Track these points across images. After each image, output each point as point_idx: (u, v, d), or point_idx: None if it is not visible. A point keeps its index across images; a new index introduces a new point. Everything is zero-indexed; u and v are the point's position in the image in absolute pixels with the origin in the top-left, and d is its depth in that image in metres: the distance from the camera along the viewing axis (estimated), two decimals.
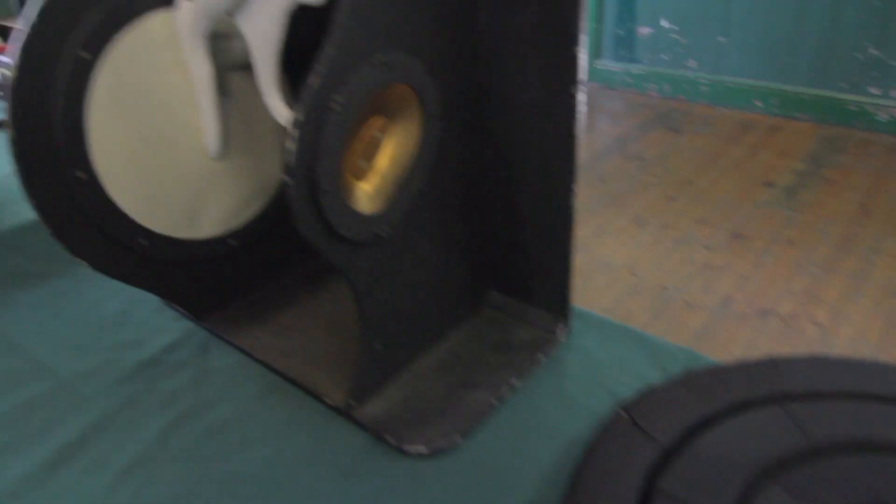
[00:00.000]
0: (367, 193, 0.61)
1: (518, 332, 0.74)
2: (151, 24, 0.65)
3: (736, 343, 1.82)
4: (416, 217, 0.64)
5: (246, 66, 0.70)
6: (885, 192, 2.51)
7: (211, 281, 0.78)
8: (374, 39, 0.54)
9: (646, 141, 3.06)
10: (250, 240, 0.79)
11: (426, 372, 0.69)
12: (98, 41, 0.61)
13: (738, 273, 2.17)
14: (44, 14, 0.58)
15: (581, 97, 0.62)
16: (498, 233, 0.74)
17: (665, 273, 2.16)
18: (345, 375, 0.68)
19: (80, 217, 0.65)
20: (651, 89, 3.37)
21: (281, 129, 0.77)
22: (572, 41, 0.59)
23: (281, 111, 0.63)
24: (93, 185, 0.64)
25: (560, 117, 0.63)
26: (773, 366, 0.60)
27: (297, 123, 0.51)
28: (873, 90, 3.05)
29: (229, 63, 0.69)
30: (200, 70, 0.66)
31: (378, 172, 0.61)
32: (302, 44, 0.73)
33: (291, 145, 0.51)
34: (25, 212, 1.05)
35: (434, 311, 0.71)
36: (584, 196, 2.52)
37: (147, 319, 0.80)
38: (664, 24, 3.23)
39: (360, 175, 0.61)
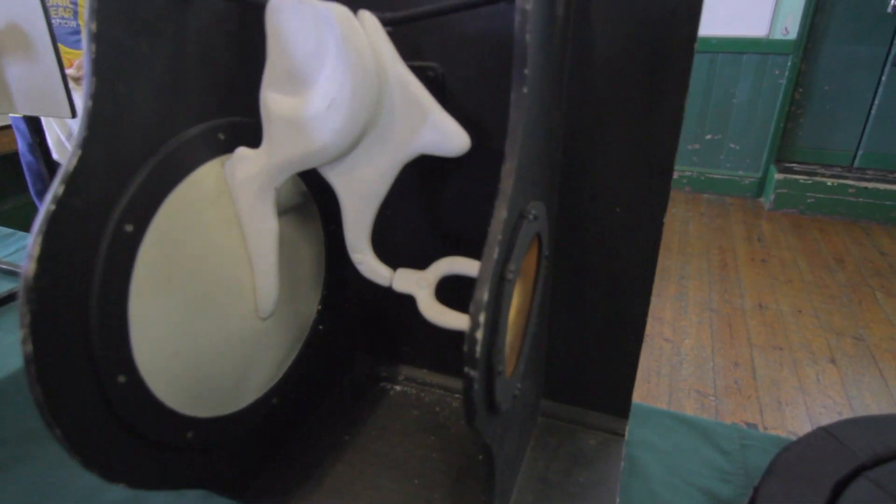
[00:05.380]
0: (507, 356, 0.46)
1: (585, 438, 0.64)
2: (200, 178, 0.44)
3: None
4: (527, 363, 0.51)
5: (285, 211, 0.51)
6: (677, 232, 2.81)
7: (249, 451, 0.56)
8: (527, 194, 0.43)
9: None
10: (288, 392, 0.58)
11: None
12: (145, 208, 0.39)
13: None
14: (72, 181, 0.35)
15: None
16: (560, 348, 0.63)
17: None
18: None
19: (118, 430, 0.41)
20: None
21: (316, 273, 0.58)
22: (667, 175, 0.50)
23: (380, 271, 0.46)
24: (135, 387, 0.41)
25: (646, 241, 0.54)
26: (829, 437, 0.55)
27: (480, 306, 0.36)
28: None
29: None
30: (266, 225, 0.46)
31: (510, 329, 0.47)
32: None
33: (478, 333, 0.35)
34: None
35: (524, 442, 0.59)
36: None
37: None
38: None
39: None
